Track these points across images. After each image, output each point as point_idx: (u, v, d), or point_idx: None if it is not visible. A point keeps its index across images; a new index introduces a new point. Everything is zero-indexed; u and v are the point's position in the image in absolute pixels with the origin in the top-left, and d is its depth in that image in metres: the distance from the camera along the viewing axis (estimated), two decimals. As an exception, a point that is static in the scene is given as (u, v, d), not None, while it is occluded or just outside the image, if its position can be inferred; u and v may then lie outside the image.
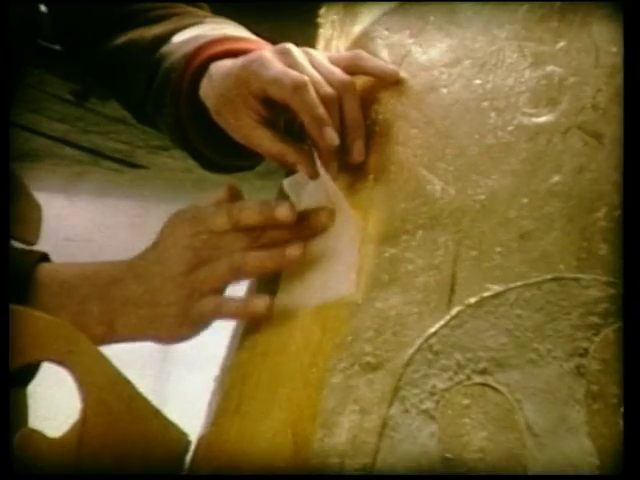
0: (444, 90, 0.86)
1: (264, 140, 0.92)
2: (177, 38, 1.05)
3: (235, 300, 0.90)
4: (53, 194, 3.09)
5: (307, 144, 0.92)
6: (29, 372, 0.93)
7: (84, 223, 3.13)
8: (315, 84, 0.89)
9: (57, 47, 1.20)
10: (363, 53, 0.92)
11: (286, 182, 0.93)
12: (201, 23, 1.07)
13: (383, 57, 0.92)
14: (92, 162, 3.16)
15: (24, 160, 3.07)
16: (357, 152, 0.89)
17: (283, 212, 0.87)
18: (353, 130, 0.89)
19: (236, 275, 0.89)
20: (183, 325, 0.91)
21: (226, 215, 0.89)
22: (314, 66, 0.91)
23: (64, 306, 0.92)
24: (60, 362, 0.87)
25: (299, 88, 0.87)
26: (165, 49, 1.04)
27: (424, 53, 0.89)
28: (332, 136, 0.88)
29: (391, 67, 0.90)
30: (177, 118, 1.02)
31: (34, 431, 0.86)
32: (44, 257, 0.95)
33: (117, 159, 3.16)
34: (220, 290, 0.90)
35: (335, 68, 0.91)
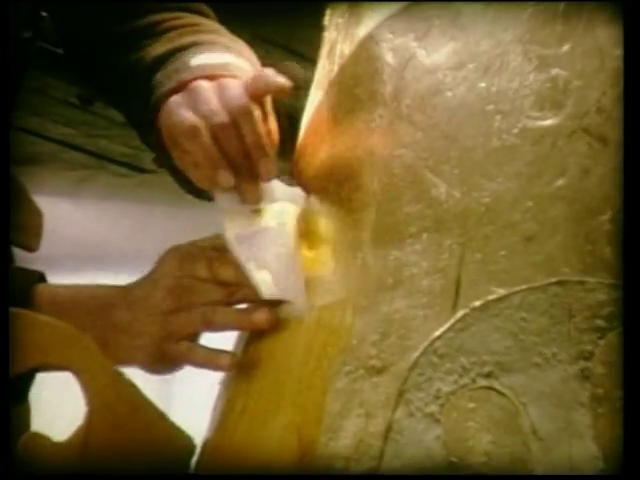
0: (449, 93, 0.86)
1: (197, 178, 0.95)
2: (170, 66, 1.06)
3: (204, 350, 0.94)
4: (59, 198, 3.10)
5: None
6: (22, 387, 0.94)
7: (90, 227, 3.13)
8: (213, 116, 0.93)
9: (60, 51, 1.20)
10: (261, 74, 0.96)
11: (230, 238, 0.94)
12: (200, 44, 1.08)
13: (388, 60, 0.92)
14: (98, 166, 3.16)
15: (30, 164, 3.07)
16: (264, 171, 0.93)
17: (260, 316, 0.91)
18: (255, 151, 0.93)
19: (207, 326, 0.94)
20: (158, 361, 0.95)
21: (206, 267, 0.94)
22: (220, 98, 0.94)
23: None
24: (66, 366, 0.87)
25: (191, 136, 0.92)
26: (159, 76, 1.06)
27: (428, 56, 0.89)
28: (226, 178, 0.93)
29: (279, 79, 0.94)
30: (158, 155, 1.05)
31: (38, 435, 0.86)
32: (41, 277, 0.97)
33: (123, 163, 3.16)
34: (194, 336, 0.95)
35: (237, 96, 0.94)
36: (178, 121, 0.94)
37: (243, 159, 0.94)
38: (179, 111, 0.94)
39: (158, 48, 1.09)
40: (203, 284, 0.94)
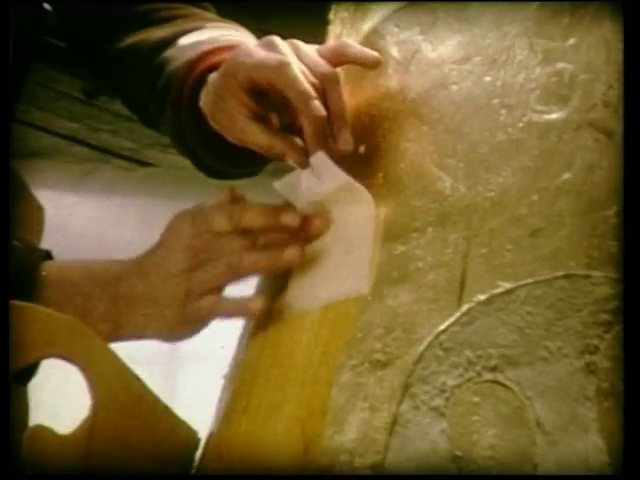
0: (454, 87, 0.86)
1: (253, 133, 0.92)
2: (180, 42, 1.05)
3: (232, 300, 0.91)
4: (63, 192, 3.10)
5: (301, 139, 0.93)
6: (29, 370, 0.94)
7: (94, 220, 3.13)
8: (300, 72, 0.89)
9: (63, 44, 1.20)
10: (348, 42, 0.93)
11: (277, 184, 0.93)
12: (204, 27, 1.08)
13: (393, 54, 0.92)
14: (102, 160, 3.16)
15: (34, 158, 3.07)
16: (343, 141, 0.89)
17: (289, 218, 0.89)
18: (337, 120, 0.90)
19: (234, 275, 0.91)
20: (183, 324, 0.91)
21: (227, 217, 0.90)
22: (299, 58, 0.91)
23: (69, 303, 0.92)
24: (70, 359, 0.87)
25: (282, 66, 0.88)
26: (168, 53, 1.05)
27: (434, 50, 0.89)
28: (318, 107, 0.88)
29: (373, 53, 0.91)
30: (177, 125, 1.03)
31: (43, 428, 0.86)
32: (48, 255, 0.96)
33: (127, 157, 3.16)
34: (218, 290, 0.91)
35: (320, 60, 0.91)
36: (259, 58, 0.89)
37: (323, 125, 0.89)
38: (256, 53, 0.90)
39: (160, 32, 1.09)
40: (222, 237, 0.90)
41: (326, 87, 0.90)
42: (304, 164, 0.90)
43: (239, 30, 1.10)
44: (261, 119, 0.93)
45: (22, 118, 2.90)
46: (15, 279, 0.90)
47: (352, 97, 0.95)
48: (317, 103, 0.88)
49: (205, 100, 0.97)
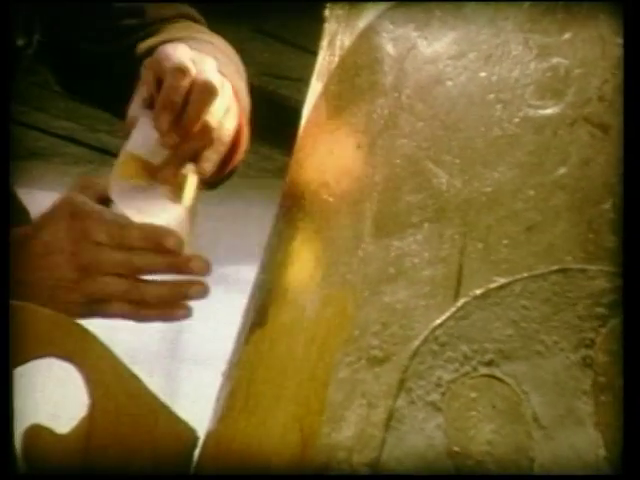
0: (449, 83, 0.86)
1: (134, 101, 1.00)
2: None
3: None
4: (62, 193, 3.10)
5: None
6: None
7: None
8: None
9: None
10: None
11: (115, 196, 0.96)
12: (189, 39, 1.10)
13: (388, 50, 0.92)
14: (100, 161, 3.16)
15: (32, 159, 3.07)
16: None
17: (171, 242, 0.93)
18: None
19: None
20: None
21: (106, 232, 0.93)
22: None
23: None
24: (68, 358, 0.87)
25: (178, 71, 0.97)
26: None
27: (429, 46, 0.89)
28: (163, 122, 0.96)
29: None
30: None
31: (42, 427, 0.86)
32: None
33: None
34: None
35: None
36: (168, 53, 0.99)
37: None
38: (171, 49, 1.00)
39: (150, 41, 1.11)
40: (104, 250, 0.94)
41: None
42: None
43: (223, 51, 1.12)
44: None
45: (20, 119, 2.90)
46: None
47: (347, 93, 0.95)
48: (166, 117, 0.96)
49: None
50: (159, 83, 0.99)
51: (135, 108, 0.99)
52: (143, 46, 1.11)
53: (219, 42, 1.13)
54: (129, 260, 0.93)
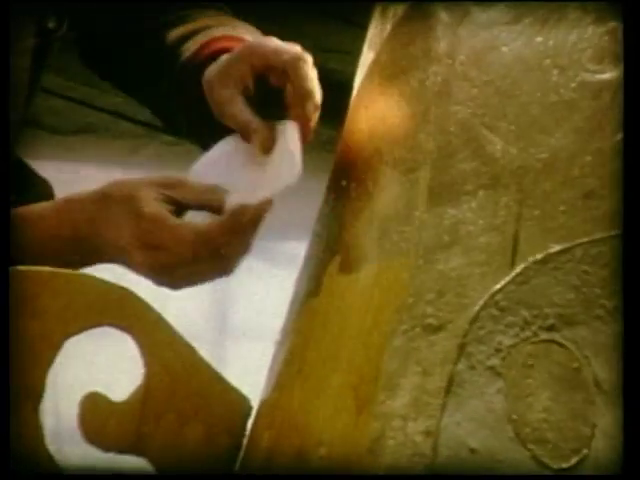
0: (504, 48, 0.85)
1: (237, 105, 0.97)
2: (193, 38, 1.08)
3: None
4: (110, 168, 3.11)
5: None
6: None
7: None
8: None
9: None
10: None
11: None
12: (215, 26, 1.09)
13: (442, 17, 0.91)
14: (148, 135, 3.17)
15: (80, 134, 3.09)
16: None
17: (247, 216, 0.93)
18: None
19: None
20: None
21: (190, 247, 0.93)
22: None
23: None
24: (123, 327, 0.88)
25: (300, 59, 0.95)
26: (182, 48, 1.08)
27: (484, 12, 0.88)
28: (313, 110, 0.96)
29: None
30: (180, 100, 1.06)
31: (98, 395, 0.87)
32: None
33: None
34: None
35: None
36: (279, 45, 0.97)
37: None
38: (274, 40, 0.97)
39: (174, 33, 1.10)
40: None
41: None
42: (267, 150, 0.95)
43: (253, 33, 1.11)
44: (248, 99, 0.98)
45: (68, 94, 2.91)
46: None
47: (400, 61, 0.94)
48: (313, 105, 0.95)
49: (209, 72, 1.00)
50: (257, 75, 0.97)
51: (244, 110, 0.97)
52: (175, 33, 1.10)
53: (249, 28, 1.13)
54: (215, 259, 0.94)
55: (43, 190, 1.19)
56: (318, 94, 0.96)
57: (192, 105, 1.04)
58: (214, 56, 1.02)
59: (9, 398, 0.82)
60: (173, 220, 0.93)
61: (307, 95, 0.95)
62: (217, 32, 1.07)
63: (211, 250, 0.92)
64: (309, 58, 0.96)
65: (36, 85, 1.13)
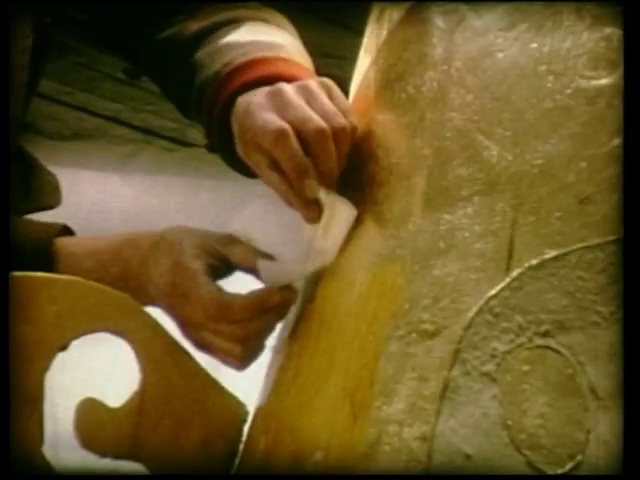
0: (500, 55, 0.85)
1: (273, 182, 0.92)
2: (213, 43, 1.05)
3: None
4: (107, 173, 3.11)
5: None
6: None
7: (138, 202, 3.15)
8: (305, 121, 0.89)
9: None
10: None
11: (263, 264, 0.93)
12: (240, 24, 1.07)
13: (438, 23, 0.91)
14: (145, 141, 3.17)
15: (77, 140, 3.09)
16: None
17: (277, 298, 0.91)
18: (325, 179, 0.91)
19: None
20: None
21: (203, 314, 0.91)
22: (310, 103, 0.91)
23: (85, 274, 0.93)
24: (119, 333, 0.88)
25: (280, 139, 0.89)
26: (199, 56, 1.05)
27: (479, 18, 0.88)
28: (312, 188, 0.90)
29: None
30: (210, 139, 1.03)
31: (94, 400, 0.87)
32: (65, 229, 0.98)
33: (169, 137, 3.16)
34: None
35: (331, 109, 0.91)
36: (258, 124, 0.90)
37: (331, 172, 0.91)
38: (257, 115, 0.91)
39: (193, 25, 1.08)
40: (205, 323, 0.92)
41: (338, 134, 0.90)
42: (313, 220, 0.91)
43: (279, 25, 1.09)
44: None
45: (64, 100, 2.91)
46: (31, 255, 0.91)
47: (395, 67, 0.94)
48: (310, 183, 0.89)
49: (234, 125, 0.96)
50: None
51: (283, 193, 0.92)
52: (188, 31, 1.08)
53: (278, 19, 1.11)
54: (233, 330, 0.91)
55: (49, 179, 1.19)
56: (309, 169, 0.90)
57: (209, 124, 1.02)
58: (233, 97, 0.97)
59: (9, 404, 0.82)
60: (203, 278, 0.91)
61: (298, 173, 0.89)
62: (235, 52, 1.01)
63: (228, 322, 0.90)
64: (289, 131, 0.89)
65: (35, 85, 1.13)
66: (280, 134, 0.88)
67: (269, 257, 0.93)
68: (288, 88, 0.92)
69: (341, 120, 0.90)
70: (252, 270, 0.93)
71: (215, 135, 1.00)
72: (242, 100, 0.95)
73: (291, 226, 0.94)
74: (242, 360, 0.92)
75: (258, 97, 0.92)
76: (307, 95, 0.92)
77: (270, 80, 0.96)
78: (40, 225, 0.98)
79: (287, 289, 0.91)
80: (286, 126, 0.89)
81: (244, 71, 0.98)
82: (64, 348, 0.88)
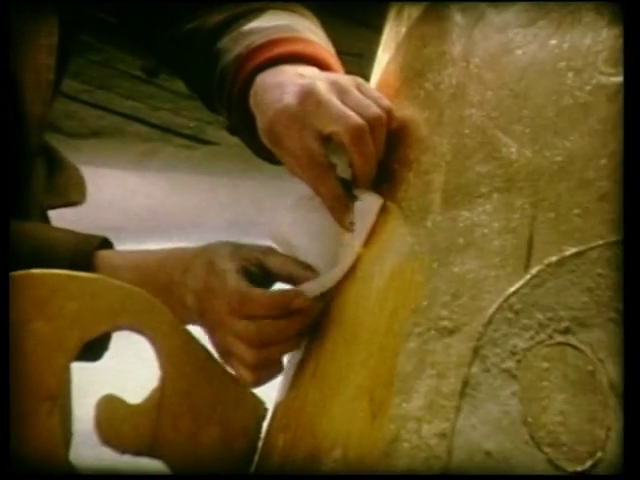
0: (519, 51, 0.85)
1: (328, 184, 0.92)
2: (235, 30, 1.05)
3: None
4: (125, 171, 3.12)
5: None
6: (101, 345, 0.95)
7: (156, 199, 3.16)
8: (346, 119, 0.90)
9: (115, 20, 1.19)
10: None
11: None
12: (262, 12, 1.07)
13: (456, 20, 0.91)
14: (163, 139, 3.18)
15: (95, 138, 3.10)
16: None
17: (300, 301, 0.89)
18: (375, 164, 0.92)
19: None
20: None
21: (227, 303, 0.90)
22: (343, 99, 0.91)
23: None
24: (139, 330, 0.88)
25: (359, 137, 0.90)
26: (223, 42, 1.05)
27: (498, 14, 0.88)
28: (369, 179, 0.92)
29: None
30: (231, 122, 1.03)
31: (114, 397, 0.87)
32: (105, 241, 0.98)
33: (187, 135, 3.17)
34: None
35: (366, 101, 0.91)
36: (335, 117, 0.90)
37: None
38: (330, 105, 0.90)
39: (216, 16, 1.08)
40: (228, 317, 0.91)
41: (375, 128, 0.91)
42: (348, 228, 0.91)
43: (303, 15, 1.09)
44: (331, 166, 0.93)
45: (83, 98, 2.92)
46: (70, 265, 0.91)
47: (414, 63, 0.94)
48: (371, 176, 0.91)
49: (255, 105, 0.97)
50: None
51: (336, 185, 0.92)
52: (211, 22, 1.09)
53: (302, 10, 1.11)
54: (252, 330, 0.89)
55: (75, 175, 1.19)
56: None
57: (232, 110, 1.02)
58: (252, 75, 0.98)
59: (9, 398, 0.82)
60: (233, 275, 0.90)
61: (368, 174, 0.91)
62: (255, 36, 1.01)
63: (248, 317, 0.89)
64: (367, 129, 0.90)
65: (60, 84, 1.13)
66: (360, 132, 0.89)
67: (308, 267, 0.92)
68: (321, 87, 0.92)
69: (376, 110, 0.91)
70: (290, 279, 0.92)
71: (235, 116, 1.00)
72: (263, 77, 0.96)
73: (324, 230, 0.94)
74: (254, 372, 0.91)
75: (318, 88, 0.92)
76: (339, 91, 0.92)
77: (290, 59, 0.96)
78: (80, 235, 0.98)
79: (304, 298, 0.90)
80: (363, 123, 0.90)
81: (264, 50, 0.99)
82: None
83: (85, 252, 0.95)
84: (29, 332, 0.83)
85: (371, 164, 0.91)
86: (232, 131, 1.05)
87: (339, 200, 0.92)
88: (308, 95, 0.91)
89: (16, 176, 1.04)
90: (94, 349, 0.93)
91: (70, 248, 0.95)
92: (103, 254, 0.96)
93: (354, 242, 0.90)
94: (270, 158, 1.01)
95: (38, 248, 0.92)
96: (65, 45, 1.10)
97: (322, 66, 0.98)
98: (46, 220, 1.15)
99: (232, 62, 1.01)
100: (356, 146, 0.90)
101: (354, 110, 0.90)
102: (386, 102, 0.92)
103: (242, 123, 1.00)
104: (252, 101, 0.97)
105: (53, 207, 1.13)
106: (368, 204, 0.91)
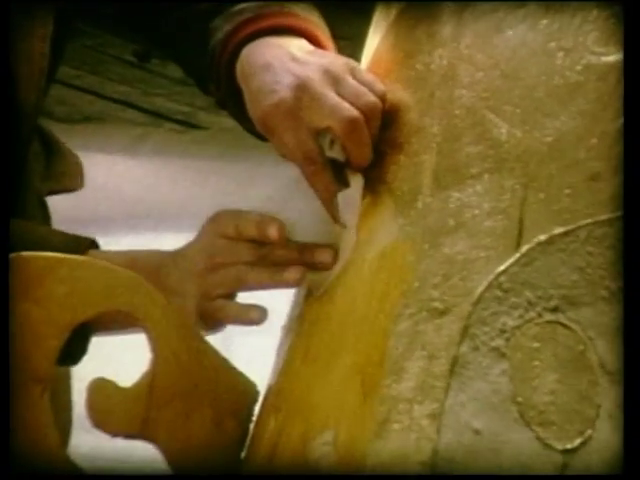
0: (509, 32, 0.85)
1: (319, 182, 0.92)
2: (227, 12, 1.04)
3: (236, 305, 0.95)
4: (116, 156, 3.11)
5: None
6: (80, 349, 0.95)
7: (148, 185, 3.15)
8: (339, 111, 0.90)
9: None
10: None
11: None
12: None
13: (448, 2, 0.91)
14: (154, 124, 3.17)
15: (86, 123, 3.09)
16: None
17: (272, 230, 0.92)
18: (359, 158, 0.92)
19: (240, 286, 0.95)
20: (202, 320, 0.96)
21: (233, 225, 0.94)
22: (337, 89, 0.91)
23: None
24: (130, 313, 0.88)
25: (354, 130, 0.90)
26: (214, 23, 1.04)
27: (489, -5, 0.88)
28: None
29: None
30: (219, 96, 1.03)
31: (106, 380, 0.87)
32: (93, 243, 0.98)
33: (179, 120, 3.16)
34: (229, 295, 0.96)
35: (360, 89, 0.91)
36: (330, 108, 0.90)
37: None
38: (325, 97, 0.90)
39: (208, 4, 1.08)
40: (235, 244, 0.94)
41: (369, 118, 0.91)
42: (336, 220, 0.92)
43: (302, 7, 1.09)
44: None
45: (74, 83, 2.91)
46: None
47: (405, 45, 0.94)
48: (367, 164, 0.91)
49: (241, 79, 0.96)
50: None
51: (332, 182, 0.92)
52: (203, 4, 1.08)
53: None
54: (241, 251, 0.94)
55: (73, 161, 1.19)
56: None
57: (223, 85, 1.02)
58: (238, 48, 0.98)
59: (9, 384, 0.82)
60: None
61: (363, 162, 0.92)
62: (247, 13, 1.00)
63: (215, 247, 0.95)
64: (362, 120, 0.90)
65: (54, 72, 1.13)
66: (355, 124, 0.89)
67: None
68: (315, 78, 0.92)
69: (370, 99, 0.91)
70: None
71: (223, 89, 1.00)
72: (246, 51, 0.96)
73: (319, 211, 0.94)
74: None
75: (311, 80, 0.91)
76: (333, 81, 0.92)
77: (277, 30, 0.97)
78: (69, 237, 0.99)
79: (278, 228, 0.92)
80: (358, 115, 0.90)
81: (251, 23, 0.99)
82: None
83: (75, 253, 0.96)
84: (18, 314, 0.83)
85: (366, 153, 0.92)
86: (222, 105, 1.05)
87: (333, 196, 0.92)
88: (303, 90, 0.91)
89: (10, 165, 1.03)
90: (72, 353, 0.93)
91: (59, 248, 0.95)
92: (92, 254, 0.97)
93: (350, 232, 0.91)
94: (260, 135, 1.00)
95: (26, 248, 0.92)
96: (60, 33, 1.10)
97: (311, 39, 0.98)
98: (43, 207, 1.15)
99: (221, 38, 1.00)
100: (352, 139, 0.90)
101: (349, 100, 0.90)
102: (380, 86, 0.92)
103: (230, 96, 1.00)
104: (239, 74, 0.97)
105: (51, 193, 1.13)
106: (352, 190, 0.91)
